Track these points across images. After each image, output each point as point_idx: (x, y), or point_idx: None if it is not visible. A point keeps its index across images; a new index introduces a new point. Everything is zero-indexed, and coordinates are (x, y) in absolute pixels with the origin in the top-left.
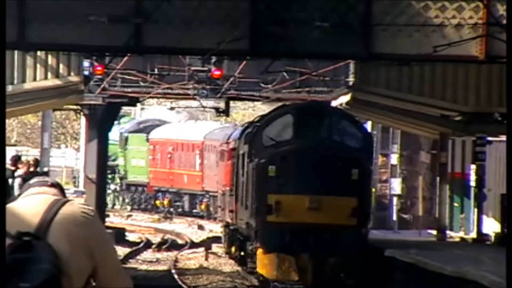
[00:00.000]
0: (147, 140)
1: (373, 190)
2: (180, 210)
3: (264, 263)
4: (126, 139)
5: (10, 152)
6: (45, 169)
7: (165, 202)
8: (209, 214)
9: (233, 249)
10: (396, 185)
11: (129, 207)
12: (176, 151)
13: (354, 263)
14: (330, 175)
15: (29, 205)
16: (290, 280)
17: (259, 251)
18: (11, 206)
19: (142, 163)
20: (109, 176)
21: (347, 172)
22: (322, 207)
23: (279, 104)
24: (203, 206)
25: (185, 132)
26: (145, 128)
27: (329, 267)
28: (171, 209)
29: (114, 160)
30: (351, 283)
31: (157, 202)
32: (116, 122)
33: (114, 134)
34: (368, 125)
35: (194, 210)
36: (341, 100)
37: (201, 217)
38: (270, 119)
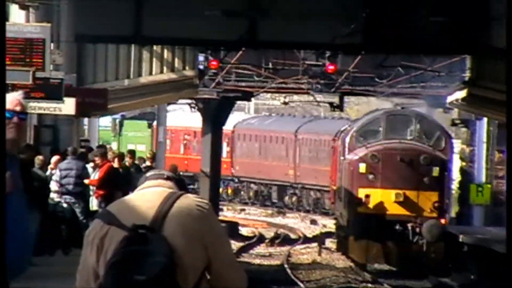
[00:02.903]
0: (149, 126)
1: (489, 186)
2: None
3: (354, 248)
4: (121, 124)
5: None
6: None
7: None
8: (234, 199)
9: (335, 236)
10: None
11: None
12: (195, 138)
13: (433, 250)
14: (414, 172)
15: (144, 198)
16: (377, 263)
17: (351, 238)
18: (126, 198)
19: (141, 148)
20: None
21: (428, 169)
22: (406, 200)
23: (394, 99)
24: (229, 191)
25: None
26: (142, 115)
27: (411, 253)
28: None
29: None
30: (431, 268)
31: None
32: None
33: (105, 121)
34: (484, 121)
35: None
36: (457, 96)
37: (228, 201)
38: (362, 122)
